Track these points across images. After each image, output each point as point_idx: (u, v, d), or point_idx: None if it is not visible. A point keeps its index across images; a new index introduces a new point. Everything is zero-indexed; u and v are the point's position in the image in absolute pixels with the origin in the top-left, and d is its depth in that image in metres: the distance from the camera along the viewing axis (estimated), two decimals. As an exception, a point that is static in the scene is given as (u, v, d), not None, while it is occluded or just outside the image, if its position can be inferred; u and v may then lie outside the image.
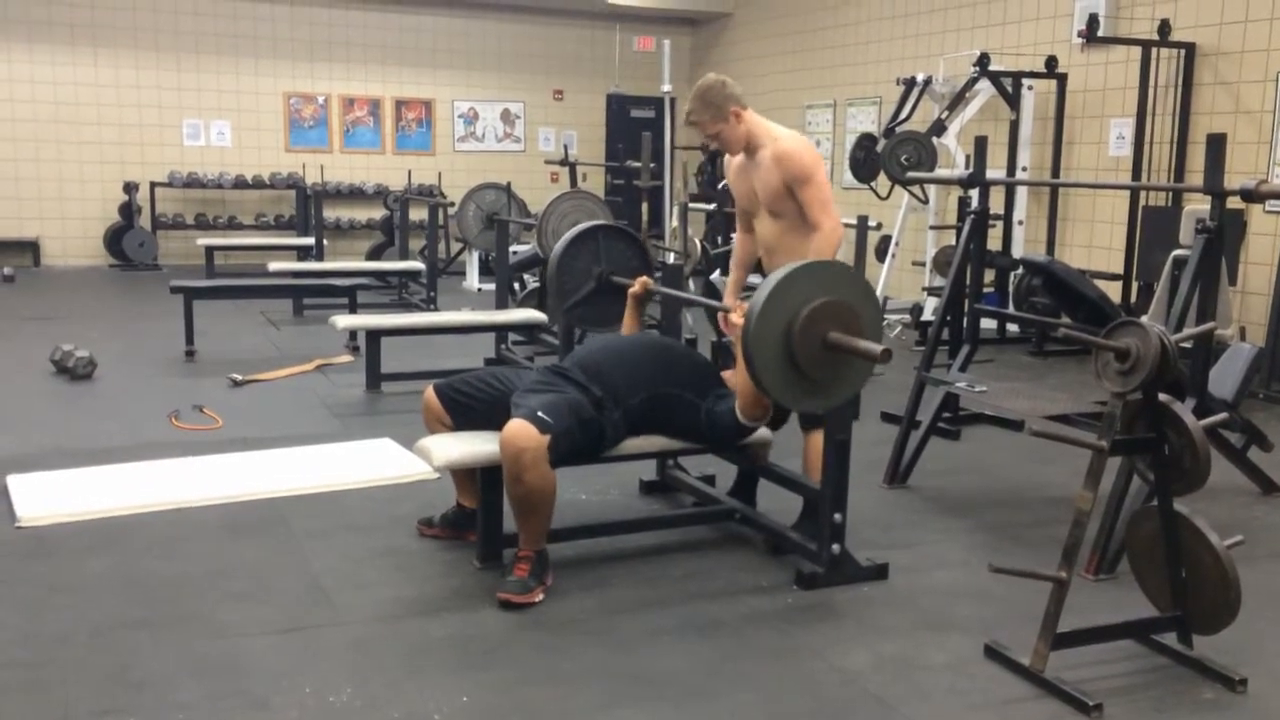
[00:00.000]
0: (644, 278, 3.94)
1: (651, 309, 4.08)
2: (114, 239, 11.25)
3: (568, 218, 5.86)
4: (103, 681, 2.66)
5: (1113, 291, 7.57)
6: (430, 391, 3.58)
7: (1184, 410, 2.62)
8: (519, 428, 3.12)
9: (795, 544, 3.49)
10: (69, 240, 11.42)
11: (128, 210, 11.20)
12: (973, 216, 4.50)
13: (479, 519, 3.47)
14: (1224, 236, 3.53)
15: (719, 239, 8.56)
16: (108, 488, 4.08)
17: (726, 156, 3.83)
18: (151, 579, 3.30)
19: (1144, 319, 2.65)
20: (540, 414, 3.16)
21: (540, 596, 3.17)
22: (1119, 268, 7.59)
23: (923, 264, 8.54)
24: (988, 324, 7.60)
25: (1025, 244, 8.27)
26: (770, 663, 2.84)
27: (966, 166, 7.39)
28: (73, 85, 11.21)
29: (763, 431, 3.68)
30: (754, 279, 3.93)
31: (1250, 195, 3.37)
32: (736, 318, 3.20)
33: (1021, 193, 8.25)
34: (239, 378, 5.99)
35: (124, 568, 3.38)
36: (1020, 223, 8.23)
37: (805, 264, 3.05)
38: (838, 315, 2.93)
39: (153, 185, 11.39)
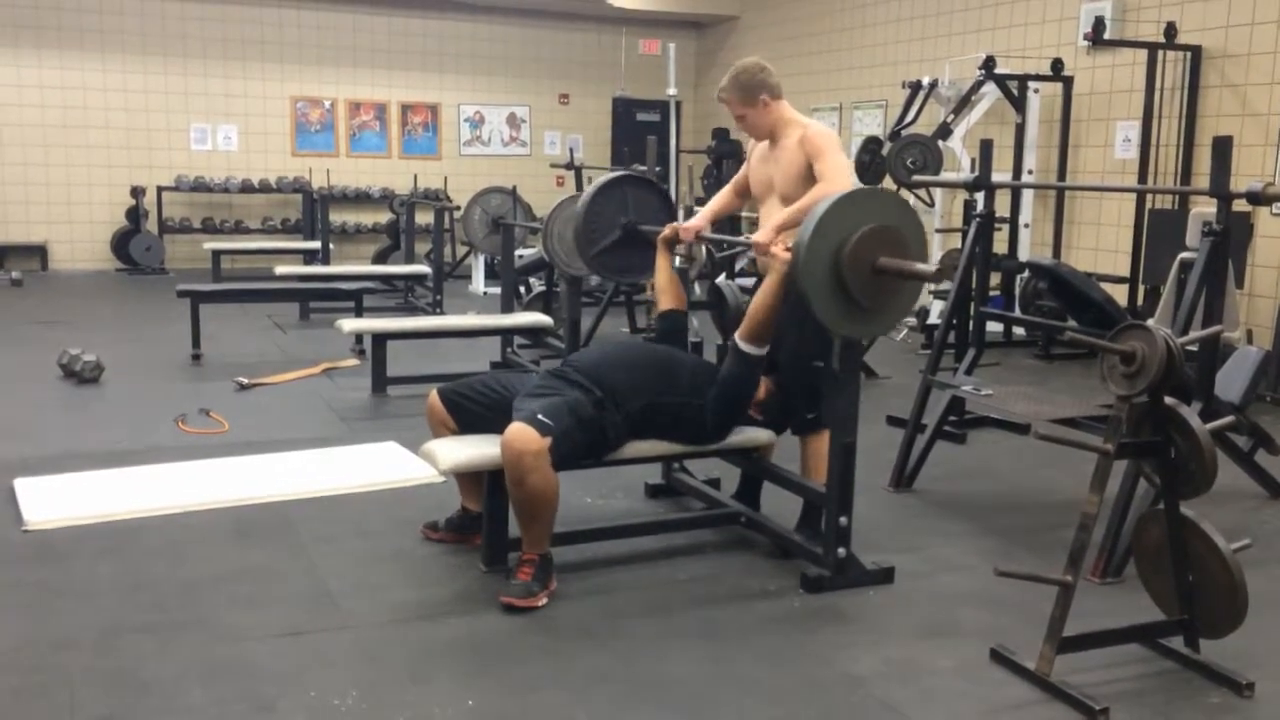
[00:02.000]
0: (673, 223, 3.97)
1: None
2: (121, 243, 11.28)
3: (573, 221, 5.85)
4: (108, 686, 2.66)
5: (1119, 295, 7.55)
6: (434, 395, 3.58)
7: (1190, 414, 2.61)
8: (519, 430, 3.12)
9: (801, 548, 3.49)
10: (76, 244, 11.45)
11: (135, 214, 11.23)
12: (979, 220, 4.50)
13: (484, 522, 3.48)
14: (1230, 239, 3.51)
15: (724, 243, 8.54)
16: (114, 491, 4.09)
17: (751, 140, 3.88)
18: (157, 583, 3.30)
19: (1150, 322, 2.65)
20: (540, 416, 3.17)
21: (544, 601, 3.17)
22: (1125, 271, 7.57)
23: (928, 267, 8.51)
24: (993, 327, 7.60)
25: (1031, 247, 8.26)
26: (776, 668, 2.83)
27: (972, 170, 7.38)
28: (80, 90, 11.24)
29: (765, 433, 3.68)
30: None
31: (1257, 198, 3.37)
32: (779, 250, 3.33)
33: (1027, 196, 8.24)
34: (245, 381, 6.00)
35: (130, 572, 3.38)
36: (1026, 226, 8.22)
37: (850, 193, 3.14)
38: (885, 240, 3.01)
39: (159, 189, 11.42)
